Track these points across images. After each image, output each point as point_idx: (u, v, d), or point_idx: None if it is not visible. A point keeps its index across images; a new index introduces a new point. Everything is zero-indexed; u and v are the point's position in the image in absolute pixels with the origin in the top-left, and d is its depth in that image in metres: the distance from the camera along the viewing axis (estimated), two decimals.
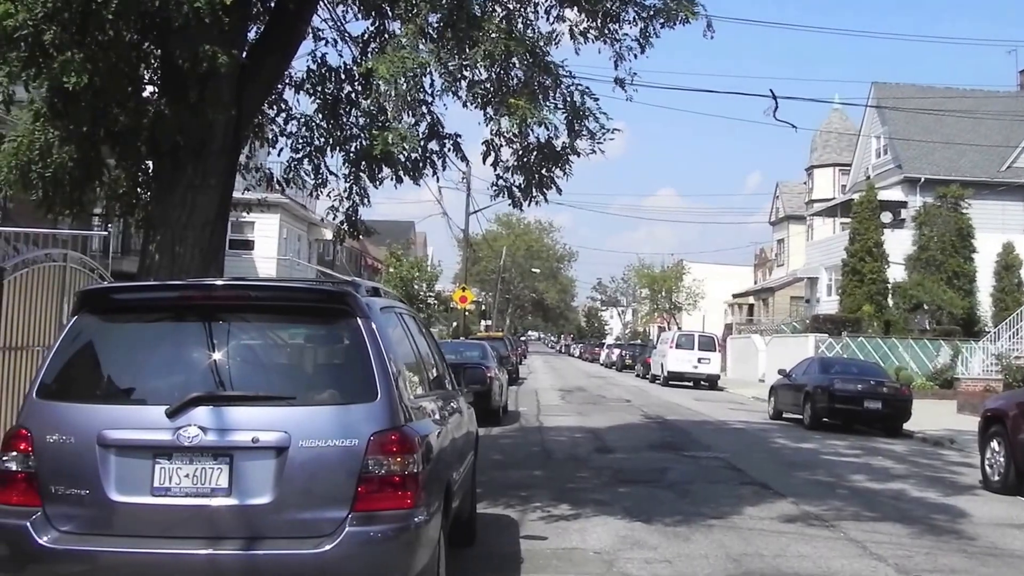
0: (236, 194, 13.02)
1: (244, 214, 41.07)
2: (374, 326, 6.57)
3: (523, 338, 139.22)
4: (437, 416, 7.66)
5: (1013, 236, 49.67)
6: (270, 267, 46.79)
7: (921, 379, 41.63)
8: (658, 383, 50.87)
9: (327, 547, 5.93)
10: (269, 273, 45.11)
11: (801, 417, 27.89)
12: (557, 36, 13.67)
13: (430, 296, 40.60)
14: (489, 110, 12.74)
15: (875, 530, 12.13)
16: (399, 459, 6.18)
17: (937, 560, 10.56)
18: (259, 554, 5.96)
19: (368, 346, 6.45)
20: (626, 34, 13.53)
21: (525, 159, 13.50)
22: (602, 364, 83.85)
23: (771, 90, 21.05)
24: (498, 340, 48.92)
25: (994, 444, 16.24)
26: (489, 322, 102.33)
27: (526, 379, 51.96)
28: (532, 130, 12.29)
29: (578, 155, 13.29)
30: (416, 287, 39.42)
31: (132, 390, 6.60)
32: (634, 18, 13.22)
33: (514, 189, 13.80)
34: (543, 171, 13.57)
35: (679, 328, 74.76)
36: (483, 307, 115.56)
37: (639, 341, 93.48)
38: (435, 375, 8.94)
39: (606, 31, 13.43)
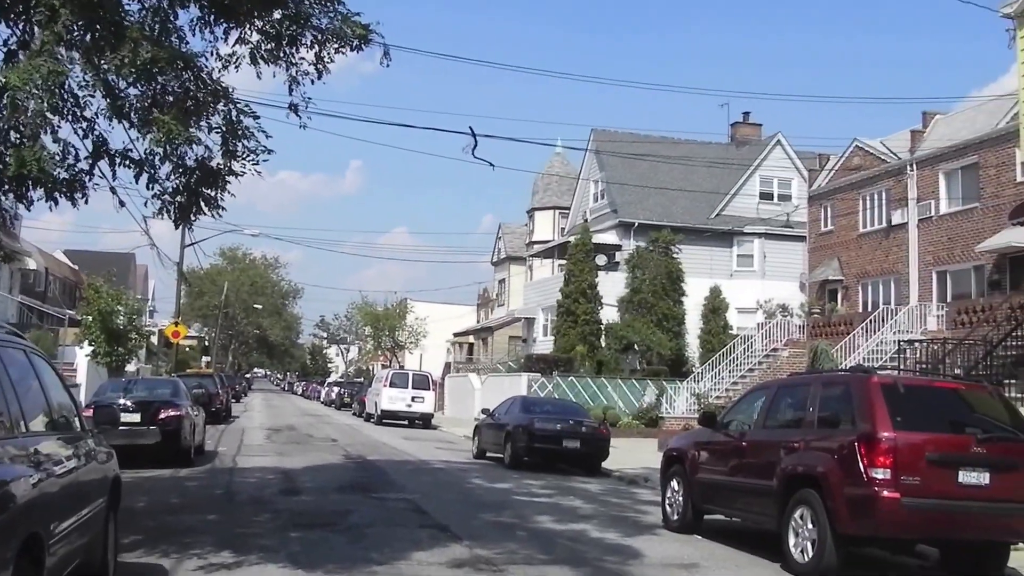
0: None
1: None
2: None
3: (248, 375, 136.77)
4: (30, 461, 6.89)
5: (720, 280, 52.26)
6: None
7: (628, 418, 42.54)
8: (372, 422, 50.11)
9: None
10: None
11: (503, 456, 27.75)
12: (237, 59, 13.12)
13: (130, 330, 38.86)
14: (134, 131, 12.07)
15: (543, 574, 11.90)
16: None
17: None
18: None
19: None
20: (303, 58, 13.14)
21: (183, 178, 12.83)
22: (322, 402, 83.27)
23: (470, 127, 20.86)
24: (207, 377, 47.49)
25: (674, 483, 16.36)
26: (209, 358, 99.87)
27: (239, 417, 50.36)
28: (183, 148, 11.72)
29: (235, 175, 12.78)
30: (117, 321, 37.64)
31: None
32: (311, 42, 12.86)
33: (173, 208, 13.13)
34: (200, 190, 12.94)
35: (400, 366, 74.49)
36: (206, 343, 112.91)
37: (361, 379, 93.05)
38: (50, 418, 8.17)
39: (280, 54, 12.96)
